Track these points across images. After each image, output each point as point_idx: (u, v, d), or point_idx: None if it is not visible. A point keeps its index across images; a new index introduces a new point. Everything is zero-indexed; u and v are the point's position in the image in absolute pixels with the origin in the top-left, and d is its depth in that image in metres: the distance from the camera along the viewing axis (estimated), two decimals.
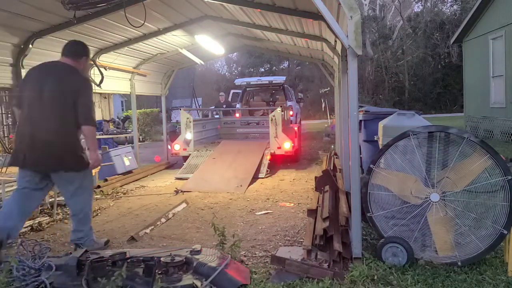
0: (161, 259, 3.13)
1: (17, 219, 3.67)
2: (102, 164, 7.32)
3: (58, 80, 3.71)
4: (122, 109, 25.79)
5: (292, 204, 5.70)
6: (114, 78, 8.37)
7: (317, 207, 4.50)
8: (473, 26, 13.34)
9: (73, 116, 3.68)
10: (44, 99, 3.64)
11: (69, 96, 3.66)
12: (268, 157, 8.33)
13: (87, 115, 3.72)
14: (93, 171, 4.14)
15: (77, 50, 3.93)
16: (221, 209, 5.56)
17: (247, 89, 14.33)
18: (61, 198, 6.12)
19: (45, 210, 5.54)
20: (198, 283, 2.93)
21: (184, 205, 5.77)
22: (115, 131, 14.95)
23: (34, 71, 3.84)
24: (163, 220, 5.05)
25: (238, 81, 15.30)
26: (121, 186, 7.39)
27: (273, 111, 8.62)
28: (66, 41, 3.98)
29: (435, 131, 3.37)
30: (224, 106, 13.61)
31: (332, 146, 10.90)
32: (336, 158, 8.04)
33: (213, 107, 14.67)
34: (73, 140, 3.80)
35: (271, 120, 8.41)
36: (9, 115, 15.61)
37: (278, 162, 8.93)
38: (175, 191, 6.73)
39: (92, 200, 4.21)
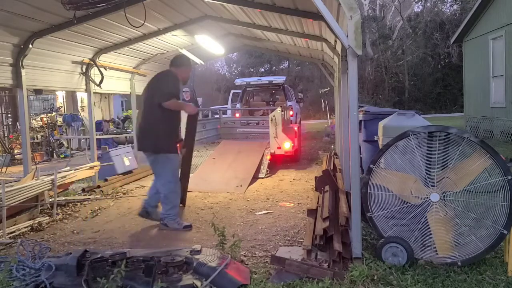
0: (161, 259, 3.13)
1: None
2: (102, 164, 7.34)
3: None
4: (122, 109, 25.79)
5: (292, 204, 5.70)
6: (114, 78, 8.35)
7: (317, 207, 4.49)
8: (473, 26, 13.33)
9: None
10: None
11: None
12: (268, 157, 8.33)
13: None
14: None
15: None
16: (221, 209, 5.56)
17: (247, 89, 14.32)
18: (61, 198, 6.14)
19: (45, 210, 5.54)
20: (198, 283, 2.94)
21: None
22: (115, 131, 15.00)
23: None
24: None
25: (238, 81, 15.29)
26: (121, 186, 7.39)
27: (273, 111, 8.62)
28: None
29: (435, 131, 3.37)
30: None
31: (332, 146, 10.90)
32: (336, 158, 8.03)
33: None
34: None
35: (271, 120, 8.40)
36: (9, 115, 15.60)
37: (278, 162, 8.93)
38: None
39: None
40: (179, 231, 4.63)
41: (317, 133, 17.36)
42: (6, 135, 13.74)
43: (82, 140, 14.59)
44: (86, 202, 6.24)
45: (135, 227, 4.92)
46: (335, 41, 5.77)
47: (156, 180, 4.92)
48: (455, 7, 31.75)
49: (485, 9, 12.36)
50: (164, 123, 4.67)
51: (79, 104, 16.95)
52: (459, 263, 3.23)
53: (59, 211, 5.60)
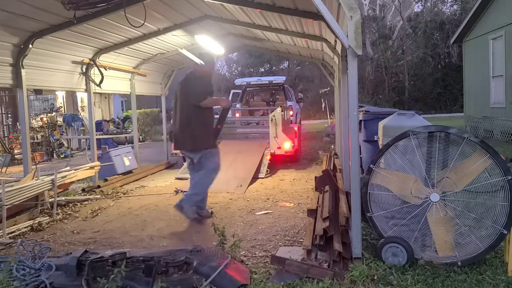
0: (161, 259, 3.13)
1: None
2: (102, 164, 7.34)
3: None
4: (122, 109, 25.77)
5: (292, 204, 5.70)
6: (114, 78, 8.36)
7: (317, 207, 4.49)
8: (473, 26, 13.33)
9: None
10: None
11: None
12: (268, 157, 8.33)
13: None
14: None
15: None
16: (221, 209, 5.56)
17: (247, 89, 14.30)
18: (61, 198, 6.14)
19: (45, 210, 5.53)
20: (198, 283, 2.93)
21: None
22: (115, 131, 15.00)
23: None
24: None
25: (238, 81, 15.28)
26: (121, 186, 7.39)
27: (273, 111, 8.62)
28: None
29: (435, 131, 3.37)
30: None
31: (332, 146, 10.90)
32: (336, 158, 8.03)
33: None
34: None
35: (271, 120, 8.40)
36: (9, 115, 15.60)
37: (278, 162, 8.93)
38: (175, 191, 6.73)
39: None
40: (179, 230, 4.63)
41: (317, 133, 17.36)
42: (6, 135, 13.73)
43: (82, 140, 14.58)
44: (86, 202, 6.24)
45: (135, 227, 4.92)
46: (335, 41, 5.77)
47: (202, 171, 5.03)
48: (455, 7, 31.76)
49: (485, 9, 12.36)
50: (201, 122, 4.95)
51: (79, 104, 16.94)
52: (459, 263, 3.23)
53: (59, 211, 5.60)
